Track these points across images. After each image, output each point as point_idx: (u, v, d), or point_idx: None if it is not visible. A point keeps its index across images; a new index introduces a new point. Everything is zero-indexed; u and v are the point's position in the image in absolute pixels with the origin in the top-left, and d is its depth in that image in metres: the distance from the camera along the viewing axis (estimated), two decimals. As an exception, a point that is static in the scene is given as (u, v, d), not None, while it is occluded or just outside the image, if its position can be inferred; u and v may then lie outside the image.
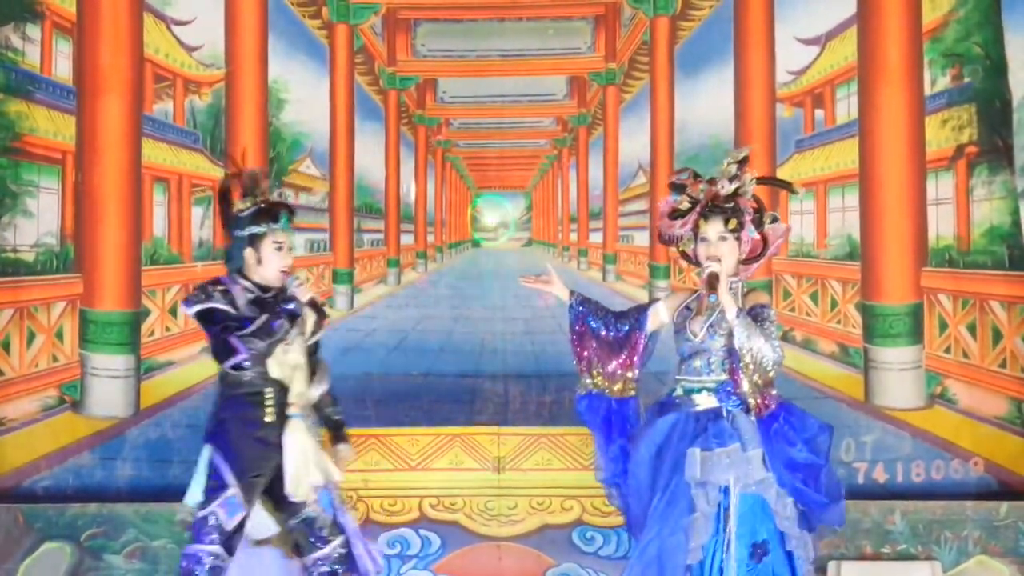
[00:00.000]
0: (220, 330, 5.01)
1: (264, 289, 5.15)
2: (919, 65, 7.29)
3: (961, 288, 7.25)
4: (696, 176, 5.06)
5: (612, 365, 5.16)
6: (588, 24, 7.83)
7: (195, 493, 5.13)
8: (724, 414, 4.93)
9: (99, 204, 7.38)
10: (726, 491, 4.83)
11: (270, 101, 7.57)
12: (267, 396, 5.13)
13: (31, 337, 7.33)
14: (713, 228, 4.99)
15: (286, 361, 5.16)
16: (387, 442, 7.32)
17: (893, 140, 7.32)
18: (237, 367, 5.05)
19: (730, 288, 4.92)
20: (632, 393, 5.17)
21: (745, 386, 4.88)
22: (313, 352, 5.32)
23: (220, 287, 5.12)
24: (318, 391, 5.31)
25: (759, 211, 5.06)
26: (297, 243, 7.58)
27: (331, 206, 7.72)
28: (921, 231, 7.30)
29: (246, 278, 5.16)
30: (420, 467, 7.33)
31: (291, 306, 5.07)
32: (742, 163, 5.01)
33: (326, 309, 5.64)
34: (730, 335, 4.88)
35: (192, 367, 7.29)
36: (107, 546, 7.03)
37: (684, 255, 5.18)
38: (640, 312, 5.22)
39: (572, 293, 5.26)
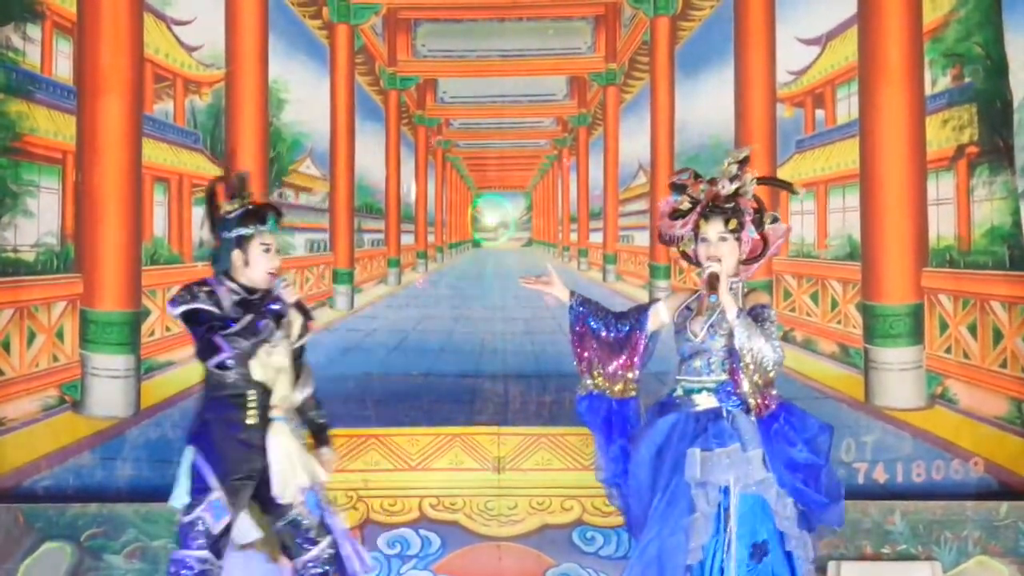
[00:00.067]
0: (205, 330, 5.01)
1: (251, 291, 5.15)
2: (920, 65, 7.29)
3: (962, 288, 7.25)
4: (697, 176, 5.06)
5: (613, 366, 5.16)
6: (588, 24, 7.83)
7: (180, 495, 5.12)
8: (724, 414, 4.93)
9: (99, 204, 7.39)
10: (726, 491, 4.83)
11: (270, 101, 7.57)
12: (250, 398, 5.12)
13: (31, 337, 7.33)
14: (713, 228, 4.98)
15: (270, 363, 5.14)
16: (387, 442, 7.32)
17: (894, 140, 7.32)
18: (221, 366, 5.04)
19: (730, 288, 4.92)
20: (633, 394, 5.17)
21: (745, 386, 4.88)
22: (298, 356, 5.31)
23: (206, 288, 5.12)
24: (302, 395, 5.30)
25: (759, 211, 5.06)
26: (297, 243, 7.63)
27: (331, 206, 7.73)
28: (922, 231, 7.30)
29: (233, 280, 5.16)
30: (420, 467, 7.33)
31: (277, 306, 5.07)
32: (743, 163, 5.01)
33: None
34: (730, 335, 4.87)
35: (192, 367, 7.16)
36: (107, 546, 7.04)
37: (684, 255, 5.18)
38: (640, 312, 5.22)
39: (572, 294, 5.25)
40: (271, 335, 5.06)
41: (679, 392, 5.05)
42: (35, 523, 7.02)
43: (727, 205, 4.98)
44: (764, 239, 5.07)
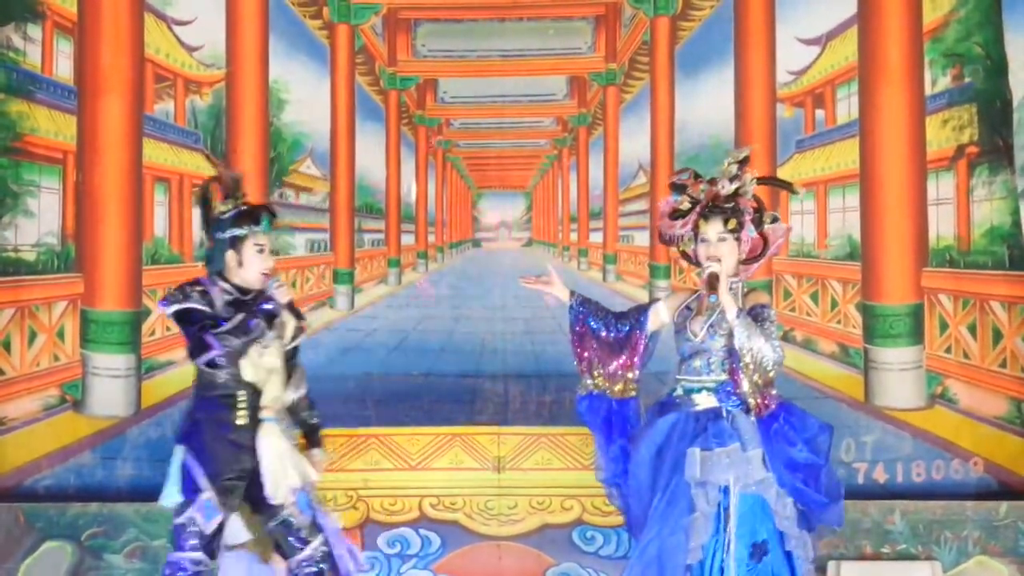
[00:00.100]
0: (197, 329, 5.02)
1: (244, 291, 5.14)
2: (920, 65, 7.29)
3: (961, 288, 7.25)
4: (696, 176, 5.06)
5: (613, 366, 5.16)
6: (588, 24, 7.83)
7: (170, 493, 5.12)
8: (724, 414, 4.93)
9: (100, 204, 7.39)
10: (726, 491, 4.83)
11: (271, 101, 7.57)
12: (240, 399, 5.12)
13: (32, 336, 7.33)
14: (713, 228, 4.99)
15: (261, 364, 5.14)
16: (387, 442, 7.33)
17: (894, 140, 7.32)
18: (211, 364, 5.03)
19: (730, 288, 4.92)
20: (633, 393, 5.17)
21: (745, 386, 4.89)
22: (292, 357, 5.31)
23: (199, 288, 5.11)
24: (293, 395, 5.30)
25: (759, 211, 5.06)
26: (298, 243, 7.64)
27: (332, 206, 7.73)
28: (922, 231, 7.30)
29: (226, 280, 5.15)
30: (420, 467, 7.34)
31: (269, 306, 5.07)
32: (743, 163, 5.01)
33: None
34: (730, 335, 4.88)
35: (193, 367, 7.27)
36: (108, 545, 7.04)
37: (684, 255, 5.18)
38: (640, 312, 5.22)
39: (572, 293, 5.25)
40: (262, 334, 5.05)
41: (679, 392, 5.05)
42: (36, 522, 7.02)
43: (727, 205, 4.98)
44: (764, 239, 5.07)
